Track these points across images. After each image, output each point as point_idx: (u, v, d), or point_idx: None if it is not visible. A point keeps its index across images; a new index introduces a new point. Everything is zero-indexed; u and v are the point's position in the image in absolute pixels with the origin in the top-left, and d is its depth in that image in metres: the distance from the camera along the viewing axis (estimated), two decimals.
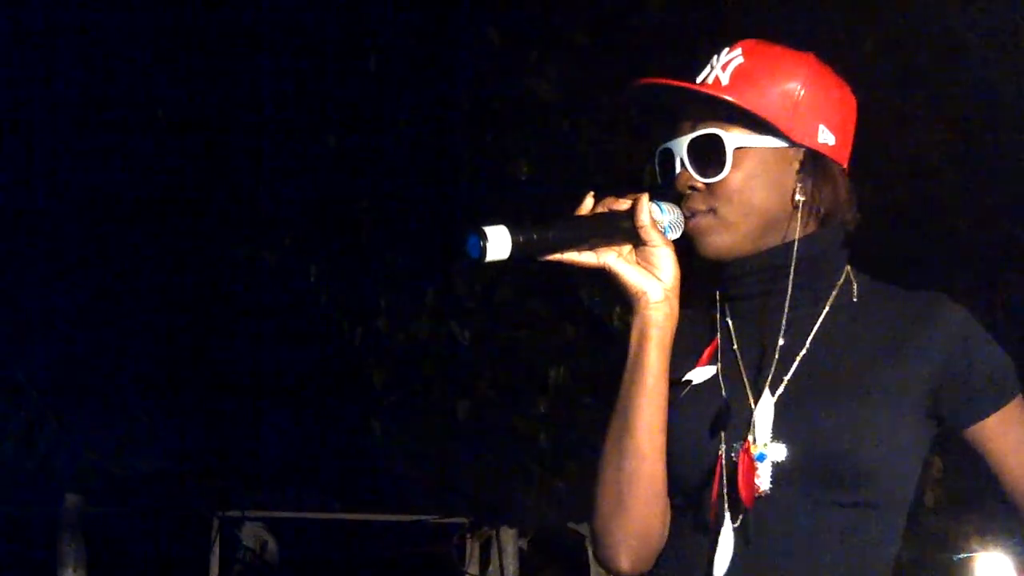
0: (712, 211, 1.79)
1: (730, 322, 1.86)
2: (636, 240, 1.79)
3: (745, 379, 1.80)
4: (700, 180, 1.78)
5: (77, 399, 7.25)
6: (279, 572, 8.12)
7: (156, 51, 7.28)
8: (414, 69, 6.86)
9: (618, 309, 6.75)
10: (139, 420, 7.18)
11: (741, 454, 1.73)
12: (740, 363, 1.82)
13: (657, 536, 1.82)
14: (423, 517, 8.25)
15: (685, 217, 1.81)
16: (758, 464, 1.72)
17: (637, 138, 6.85)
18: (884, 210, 7.58)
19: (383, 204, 6.95)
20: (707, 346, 1.86)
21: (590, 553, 8.31)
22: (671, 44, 6.68)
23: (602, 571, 8.42)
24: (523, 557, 8.49)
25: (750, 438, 1.74)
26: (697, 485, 1.80)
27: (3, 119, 7.34)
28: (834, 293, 1.82)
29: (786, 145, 1.78)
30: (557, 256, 1.78)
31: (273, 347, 7.59)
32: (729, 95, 1.76)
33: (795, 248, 1.77)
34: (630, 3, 6.70)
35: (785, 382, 1.78)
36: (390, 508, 8.43)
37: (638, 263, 1.80)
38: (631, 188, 1.86)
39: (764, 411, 1.75)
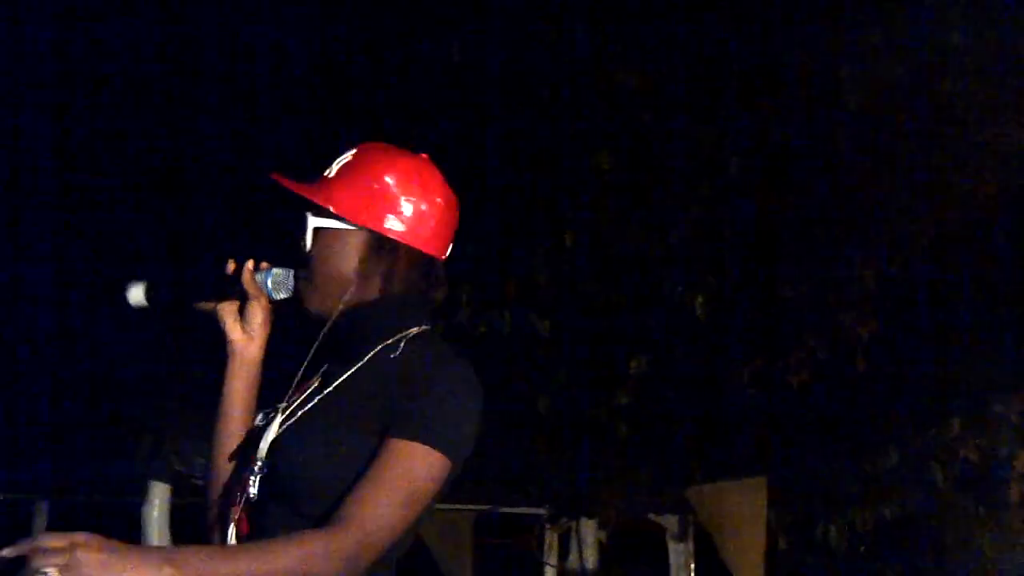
0: (307, 277, 2.25)
1: (325, 367, 2.28)
2: (244, 298, 2.31)
3: (283, 413, 2.23)
4: (303, 251, 2.26)
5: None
6: None
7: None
8: (497, 60, 6.85)
9: (700, 298, 6.72)
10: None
11: (245, 472, 2.19)
12: (286, 401, 2.25)
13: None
14: (503, 508, 8.26)
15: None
16: (251, 478, 2.17)
17: (716, 124, 6.82)
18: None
19: (463, 195, 6.95)
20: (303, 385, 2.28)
21: (670, 545, 8.29)
22: (748, 26, 6.66)
23: (681, 563, 8.40)
24: (603, 548, 8.48)
25: (255, 456, 2.18)
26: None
27: None
28: (374, 351, 2.19)
29: (354, 228, 2.21)
30: (193, 305, 2.32)
31: None
32: (324, 187, 2.23)
33: (335, 312, 2.21)
34: None
35: (297, 416, 2.20)
36: (471, 499, 8.45)
37: (241, 316, 2.32)
38: None
39: (267, 438, 2.20)
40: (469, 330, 6.90)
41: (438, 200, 2.29)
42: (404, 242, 2.24)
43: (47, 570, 1.83)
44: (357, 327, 2.23)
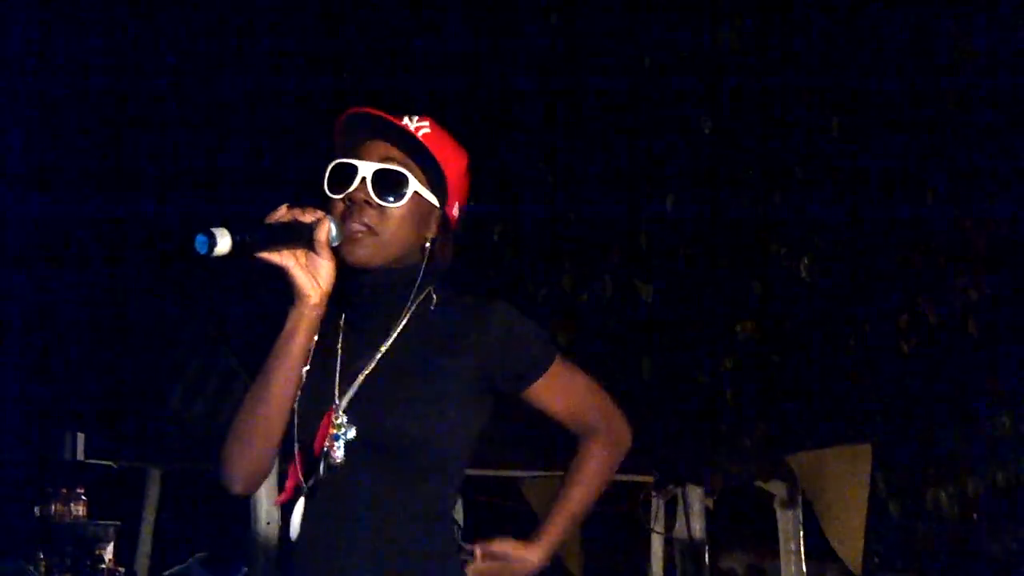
0: (372, 228, 2.25)
1: (342, 320, 2.33)
2: (311, 248, 2.20)
3: (339, 373, 2.27)
4: (376, 200, 2.26)
5: None
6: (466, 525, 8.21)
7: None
8: (596, 22, 6.81)
9: (805, 260, 6.63)
10: None
11: (319, 433, 2.23)
12: (337, 357, 2.29)
13: (265, 472, 2.26)
14: None
15: (346, 226, 2.25)
16: (335, 443, 2.21)
17: (819, 84, 6.72)
18: None
19: (566, 161, 6.93)
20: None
21: (778, 512, 8.22)
22: None
23: (790, 530, 8.33)
24: (710, 515, 8.43)
25: (331, 421, 2.23)
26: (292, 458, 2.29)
27: None
28: (413, 308, 2.30)
29: (437, 205, 2.31)
30: (256, 253, 2.17)
31: None
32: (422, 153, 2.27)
33: (419, 277, 2.29)
34: None
35: (363, 376, 2.25)
36: None
37: (307, 267, 2.21)
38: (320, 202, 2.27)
39: (344, 400, 2.24)
40: (572, 296, 6.88)
41: (466, 195, 2.42)
42: (453, 226, 2.37)
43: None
44: (388, 287, 2.31)
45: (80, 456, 7.37)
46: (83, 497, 7.83)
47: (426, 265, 2.31)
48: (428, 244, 2.31)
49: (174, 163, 7.53)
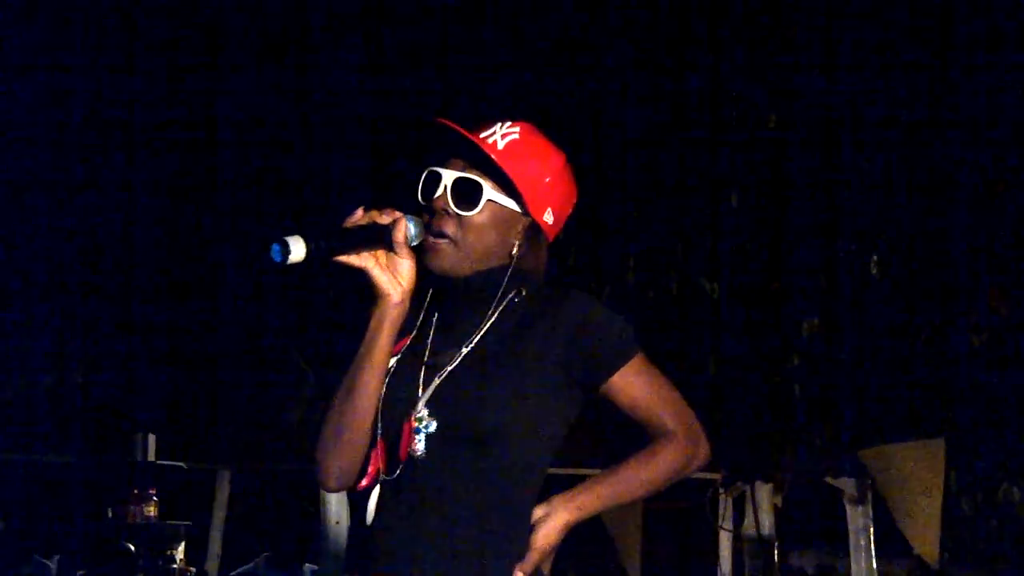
0: (451, 238, 2.31)
1: (434, 320, 2.40)
2: (390, 248, 2.27)
3: (423, 369, 2.34)
4: (454, 208, 2.31)
5: None
6: None
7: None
8: (666, 26, 6.82)
9: (875, 258, 6.59)
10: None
11: (404, 427, 2.28)
12: (424, 355, 2.36)
13: (357, 467, 2.33)
14: None
15: (428, 232, 2.31)
16: (415, 435, 2.27)
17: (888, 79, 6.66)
18: None
19: (632, 158, 6.93)
20: (403, 338, 2.38)
21: (848, 509, 8.16)
22: None
23: (860, 527, 8.27)
24: (778, 512, 8.38)
25: (413, 415, 2.29)
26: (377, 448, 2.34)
27: None
28: (499, 308, 2.34)
29: (520, 212, 2.34)
30: (334, 258, 2.24)
31: None
32: (499, 159, 2.30)
33: (503, 287, 2.34)
34: None
35: (447, 372, 2.31)
36: None
37: (387, 267, 2.28)
38: (400, 204, 2.33)
39: (426, 394, 2.30)
40: (637, 294, 6.87)
41: (575, 201, 2.44)
42: (549, 236, 2.40)
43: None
44: (475, 289, 2.35)
45: (152, 457, 7.46)
46: (154, 498, 7.92)
47: (512, 270, 2.35)
48: (514, 251, 2.35)
49: (256, 170, 7.60)
